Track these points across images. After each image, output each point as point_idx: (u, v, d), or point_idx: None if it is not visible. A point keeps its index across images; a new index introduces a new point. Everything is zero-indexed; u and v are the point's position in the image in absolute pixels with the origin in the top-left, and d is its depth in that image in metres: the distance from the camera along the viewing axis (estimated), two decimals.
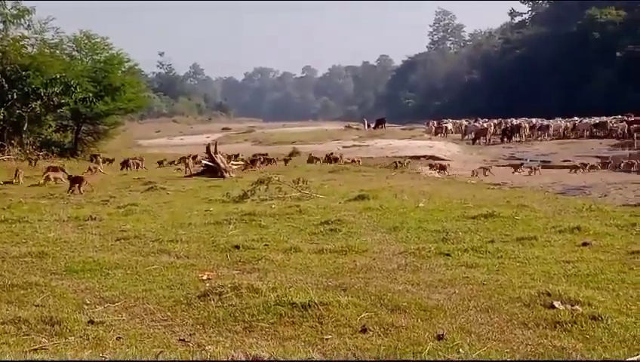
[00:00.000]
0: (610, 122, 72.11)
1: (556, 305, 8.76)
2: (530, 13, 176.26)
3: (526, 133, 69.74)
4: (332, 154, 39.64)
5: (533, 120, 77.19)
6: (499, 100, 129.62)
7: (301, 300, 8.86)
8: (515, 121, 76.89)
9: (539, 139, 68.49)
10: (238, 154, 40.37)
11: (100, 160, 38.42)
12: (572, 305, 8.74)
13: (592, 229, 14.65)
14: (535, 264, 11.49)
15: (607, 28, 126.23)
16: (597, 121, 73.73)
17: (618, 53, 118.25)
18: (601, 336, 7.79)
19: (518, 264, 11.54)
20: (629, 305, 8.92)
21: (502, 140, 67.16)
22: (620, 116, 74.55)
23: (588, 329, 8.01)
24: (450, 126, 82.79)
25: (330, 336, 7.93)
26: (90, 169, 33.49)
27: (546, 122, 74.68)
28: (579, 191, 27.93)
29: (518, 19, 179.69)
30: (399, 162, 37.26)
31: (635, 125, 66.66)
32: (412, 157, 39.65)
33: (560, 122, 75.21)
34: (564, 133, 71.63)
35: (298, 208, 18.88)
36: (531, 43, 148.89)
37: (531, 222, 16.02)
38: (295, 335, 8.00)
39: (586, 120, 75.31)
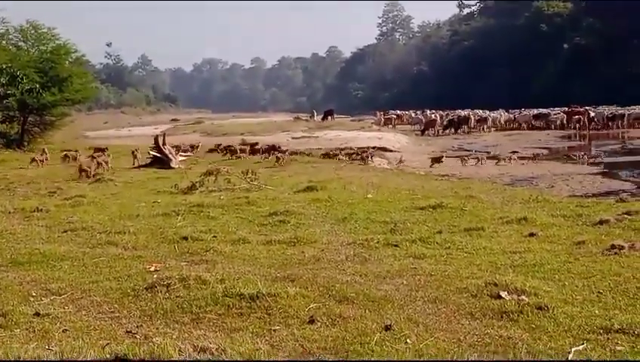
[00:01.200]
0: (550, 114, 73.08)
1: (503, 295, 8.82)
2: (478, 5, 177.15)
3: (471, 125, 70.21)
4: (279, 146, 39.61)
5: (479, 111, 77.70)
6: (447, 92, 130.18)
7: (249, 291, 8.86)
8: (462, 113, 77.36)
9: (486, 130, 68.84)
10: (197, 145, 40.21)
11: (46, 151, 37.90)
12: (518, 295, 8.80)
13: (538, 220, 14.76)
14: (482, 254, 11.57)
15: (554, 20, 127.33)
16: (536, 113, 74.75)
17: (565, 45, 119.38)
18: (546, 326, 7.86)
19: (465, 254, 11.62)
20: (574, 295, 8.99)
21: (444, 130, 67.52)
22: (564, 108, 75.29)
23: (534, 319, 8.07)
24: (403, 116, 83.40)
25: (278, 327, 7.93)
26: (34, 160, 33.09)
27: (494, 113, 75.35)
28: (526, 182, 28.16)
29: (466, 11, 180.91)
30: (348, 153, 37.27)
31: (575, 116, 68.09)
32: (361, 149, 39.61)
33: (501, 114, 75.86)
34: (506, 124, 72.31)
35: (247, 199, 18.87)
36: (480, 35, 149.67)
37: (479, 213, 16.13)
38: (243, 327, 8.00)
39: (526, 112, 76.01)
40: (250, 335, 7.70)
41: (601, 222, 14.18)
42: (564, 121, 69.00)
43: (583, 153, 39.07)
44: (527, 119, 72.91)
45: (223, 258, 11.56)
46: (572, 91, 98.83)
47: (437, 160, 35.04)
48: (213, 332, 7.81)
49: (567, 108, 73.08)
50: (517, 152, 36.98)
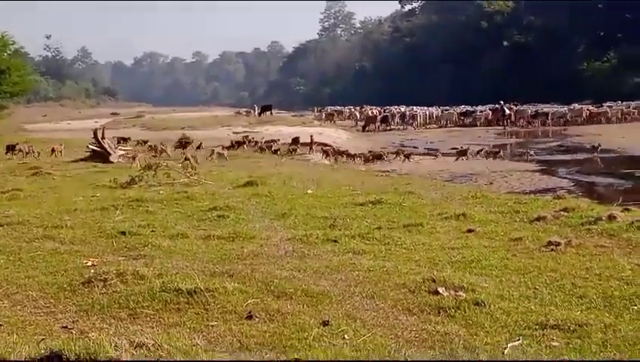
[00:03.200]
0: (475, 111, 75.16)
1: (440, 291, 8.88)
2: (419, 2, 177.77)
3: (396, 121, 71.59)
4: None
5: (415, 108, 78.41)
6: (389, 88, 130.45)
7: (187, 286, 8.82)
8: (398, 109, 78.27)
9: (415, 127, 69.23)
10: (146, 141, 39.84)
11: None
12: (456, 291, 8.88)
13: (477, 216, 14.88)
14: (421, 250, 11.63)
15: (495, 18, 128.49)
16: (462, 110, 76.02)
17: (505, 43, 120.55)
18: (483, 322, 7.93)
19: (404, 250, 11.67)
20: (511, 291, 9.08)
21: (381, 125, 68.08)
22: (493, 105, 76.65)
23: (471, 315, 8.14)
24: (344, 112, 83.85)
25: (215, 323, 7.91)
26: None
27: (430, 110, 76.22)
28: (465, 179, 28.38)
29: (408, 7, 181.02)
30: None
31: (495, 115, 71.34)
32: (302, 144, 39.61)
33: (435, 110, 76.93)
34: (428, 120, 73.43)
35: (186, 194, 18.81)
36: (421, 32, 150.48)
37: (418, 209, 16.21)
38: (180, 322, 7.97)
39: (451, 109, 77.14)
40: (188, 330, 7.67)
41: (538, 219, 14.33)
42: (490, 118, 71.09)
43: (521, 150, 39.32)
44: (451, 117, 73.88)
45: (161, 253, 11.50)
46: (512, 88, 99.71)
47: (378, 157, 35.07)
48: (150, 328, 7.76)
49: (496, 106, 74.35)
50: (466, 149, 36.99)
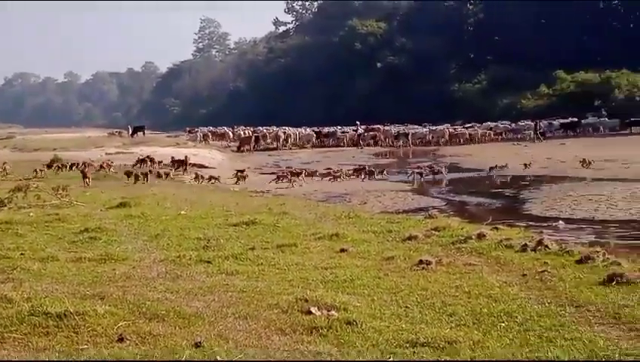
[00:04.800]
0: (337, 132, 76.93)
1: (313, 311, 8.92)
2: (294, 23, 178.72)
3: (267, 141, 72.51)
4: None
5: (287, 128, 79.16)
6: (264, 108, 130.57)
7: (56, 310, 8.66)
8: (270, 130, 79.11)
9: (289, 146, 69.90)
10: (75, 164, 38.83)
11: None
12: (328, 311, 8.93)
13: (350, 236, 15.02)
14: (294, 270, 11.68)
15: (368, 39, 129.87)
16: (326, 131, 77.24)
17: (379, 64, 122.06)
18: (355, 341, 8.00)
19: (277, 271, 11.70)
20: (382, 310, 9.19)
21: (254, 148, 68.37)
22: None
23: (343, 334, 8.21)
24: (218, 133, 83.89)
25: (86, 346, 7.80)
26: None
27: (299, 130, 77.32)
28: (340, 199, 28.51)
29: (282, 28, 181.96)
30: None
31: (370, 133, 74.14)
32: (176, 163, 39.30)
33: (303, 131, 78.13)
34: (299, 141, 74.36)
35: (57, 216, 18.47)
36: (295, 52, 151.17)
37: (292, 229, 16.28)
38: (49, 346, 7.84)
39: (309, 130, 78.22)
40: (57, 354, 7.55)
41: (410, 238, 14.56)
42: (354, 139, 72.71)
43: (396, 170, 39.77)
44: (310, 138, 74.70)
45: (31, 276, 11.27)
46: (386, 109, 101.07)
47: (242, 174, 35.00)
48: (17, 352, 7.63)
49: (363, 126, 76.82)
50: (338, 170, 37.25)
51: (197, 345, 7.74)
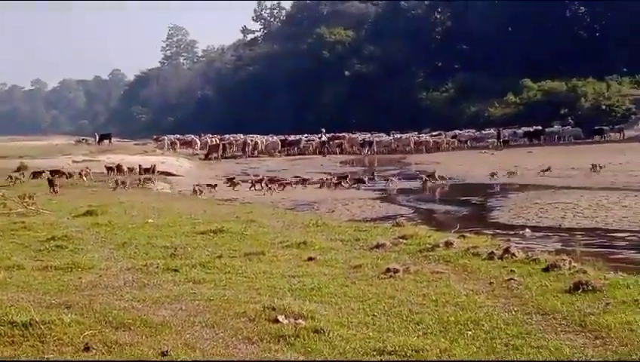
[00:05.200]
0: (301, 140, 77.47)
1: (280, 319, 8.90)
2: (262, 31, 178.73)
3: (233, 149, 73.26)
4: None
5: (255, 136, 79.54)
6: (232, 116, 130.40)
7: (22, 319, 8.58)
8: (236, 137, 79.52)
9: (272, 155, 70.27)
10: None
11: None
12: (296, 319, 8.91)
13: (317, 244, 15.00)
14: (262, 279, 11.64)
15: (336, 47, 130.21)
16: (290, 140, 77.77)
17: (347, 72, 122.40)
18: (322, 349, 7.99)
19: (245, 279, 11.66)
20: (350, 318, 9.19)
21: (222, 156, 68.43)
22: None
23: (310, 343, 8.19)
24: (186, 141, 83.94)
25: (51, 355, 7.75)
26: None
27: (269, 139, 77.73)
28: (307, 207, 28.55)
29: (250, 36, 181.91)
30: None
31: (336, 141, 75.37)
32: (145, 172, 39.17)
33: (269, 139, 78.70)
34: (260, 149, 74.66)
35: (24, 224, 18.31)
36: (263, 60, 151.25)
37: (259, 238, 16.25)
38: (15, 355, 7.78)
39: (275, 138, 78.60)
40: None
41: (377, 246, 14.56)
42: (319, 147, 73.96)
43: (364, 178, 39.73)
44: (275, 146, 75.04)
45: None
46: (355, 117, 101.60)
47: (233, 181, 34.99)
48: None
49: (329, 134, 78.07)
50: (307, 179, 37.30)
51: (164, 354, 7.71)
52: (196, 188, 33.15)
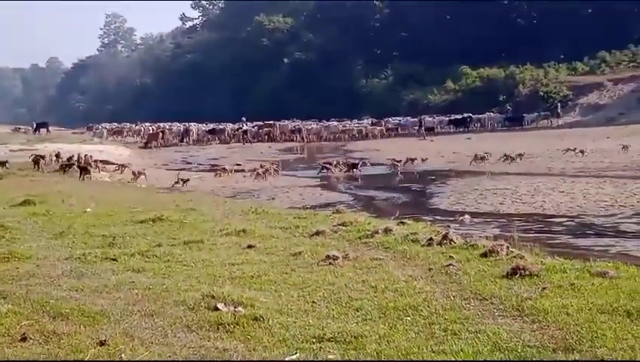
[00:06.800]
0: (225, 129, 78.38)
1: (220, 307, 8.88)
2: (200, 18, 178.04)
3: (166, 138, 73.29)
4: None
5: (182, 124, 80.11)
6: (172, 104, 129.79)
7: None
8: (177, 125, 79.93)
9: (210, 143, 70.26)
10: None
11: None
12: (235, 307, 8.89)
13: (257, 232, 14.99)
14: (201, 267, 11.60)
15: (275, 35, 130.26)
16: (211, 128, 79.02)
17: (286, 60, 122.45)
18: (262, 336, 7.98)
19: (184, 267, 11.61)
20: (289, 305, 9.19)
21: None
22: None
23: (250, 330, 8.18)
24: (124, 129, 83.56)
25: None
26: None
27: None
28: (248, 195, 28.51)
29: (189, 24, 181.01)
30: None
31: (265, 129, 76.57)
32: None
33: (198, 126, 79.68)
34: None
35: None
36: (202, 48, 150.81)
37: (199, 226, 16.19)
38: None
39: (199, 125, 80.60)
40: None
41: (317, 233, 14.57)
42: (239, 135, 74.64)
43: (304, 165, 39.79)
44: (201, 134, 76.23)
45: None
46: (293, 104, 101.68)
47: (138, 173, 34.47)
48: None
49: (259, 122, 79.65)
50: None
51: (102, 344, 7.65)
52: (135, 171, 33.11)
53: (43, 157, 38.43)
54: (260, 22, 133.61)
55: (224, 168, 36.56)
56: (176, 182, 31.56)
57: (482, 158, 38.08)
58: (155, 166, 41.37)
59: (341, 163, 38.55)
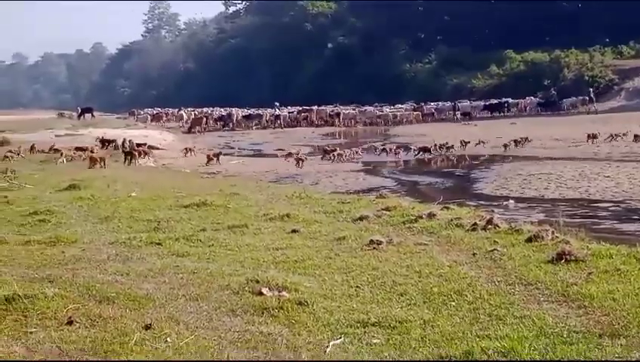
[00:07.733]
0: (262, 114, 77.77)
1: (264, 292, 8.90)
2: (244, 3, 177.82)
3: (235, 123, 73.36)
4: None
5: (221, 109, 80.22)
6: (215, 89, 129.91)
7: (4, 293, 8.49)
8: (224, 110, 79.82)
9: (253, 128, 70.29)
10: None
11: None
12: (279, 291, 8.92)
13: (301, 216, 15.01)
14: (245, 251, 11.64)
15: (318, 20, 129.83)
16: (246, 114, 78.56)
17: (329, 45, 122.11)
18: (306, 321, 8.00)
19: (228, 252, 11.66)
20: (333, 290, 9.20)
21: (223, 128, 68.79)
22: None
23: (294, 315, 8.20)
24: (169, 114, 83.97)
25: (35, 329, 7.68)
26: None
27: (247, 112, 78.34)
28: (291, 180, 28.53)
29: (232, 9, 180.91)
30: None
31: (303, 114, 76.16)
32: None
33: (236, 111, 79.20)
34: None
35: (6, 199, 18.27)
36: (246, 33, 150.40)
37: (243, 210, 16.23)
38: None
39: (234, 111, 79.19)
40: (6, 338, 7.43)
41: (361, 218, 14.58)
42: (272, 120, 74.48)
43: (348, 150, 39.67)
44: (234, 119, 75.58)
45: None
46: (336, 89, 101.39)
47: (213, 157, 34.72)
48: None
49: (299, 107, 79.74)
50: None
51: (147, 327, 7.69)
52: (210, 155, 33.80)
53: (111, 141, 38.94)
54: (304, 7, 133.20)
55: (289, 153, 36.71)
56: (210, 160, 31.86)
57: (518, 142, 38.01)
58: (200, 151, 41.36)
59: (414, 147, 38.65)
